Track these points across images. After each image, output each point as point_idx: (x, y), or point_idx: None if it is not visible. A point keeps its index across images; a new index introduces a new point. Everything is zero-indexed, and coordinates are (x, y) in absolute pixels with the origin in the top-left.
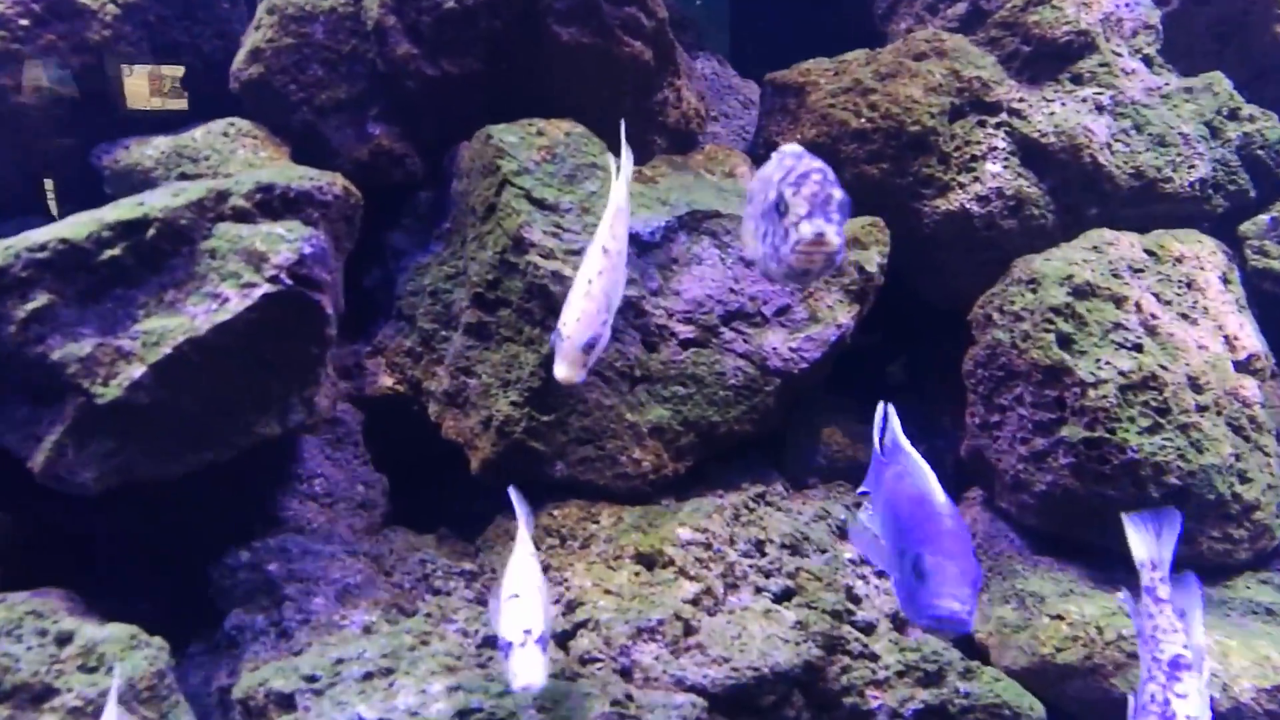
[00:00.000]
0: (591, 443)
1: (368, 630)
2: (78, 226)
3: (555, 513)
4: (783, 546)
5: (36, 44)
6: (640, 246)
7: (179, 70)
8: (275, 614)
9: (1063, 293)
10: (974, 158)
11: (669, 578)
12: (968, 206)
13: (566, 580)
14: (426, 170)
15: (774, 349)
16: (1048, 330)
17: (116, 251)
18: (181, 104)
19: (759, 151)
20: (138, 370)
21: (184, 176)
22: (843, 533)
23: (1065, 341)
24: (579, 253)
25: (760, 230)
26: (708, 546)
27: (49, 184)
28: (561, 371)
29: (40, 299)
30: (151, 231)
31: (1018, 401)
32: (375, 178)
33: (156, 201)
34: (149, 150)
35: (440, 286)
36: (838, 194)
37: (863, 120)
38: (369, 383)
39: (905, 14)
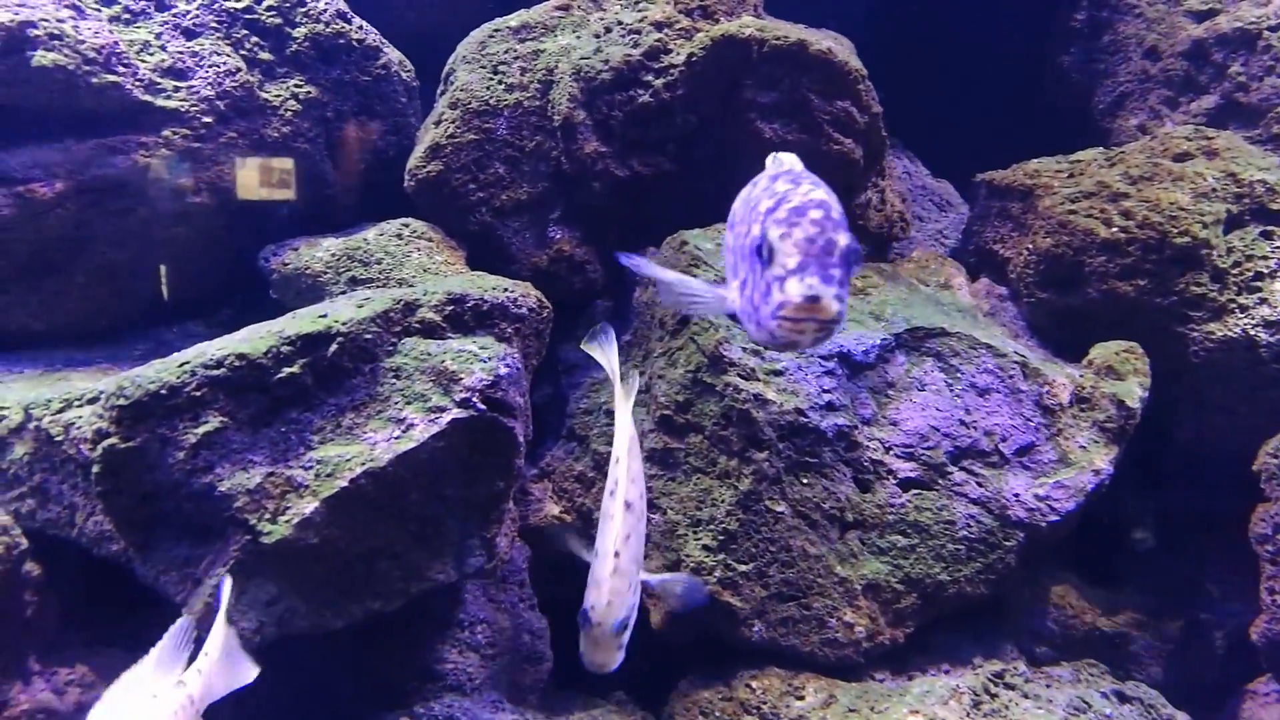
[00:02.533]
0: (796, 600)
1: None
2: (255, 341)
3: (752, 684)
4: None
5: (217, 141)
6: (851, 367)
7: (288, 163)
8: None
9: None
10: (1259, 275)
11: None
12: (1252, 333)
13: None
14: (606, 278)
15: (1016, 496)
16: None
17: (295, 369)
18: (289, 194)
19: (969, 261)
20: (309, 506)
21: (354, 281)
22: None
23: None
24: (782, 374)
25: (739, 274)
26: None
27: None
28: (597, 660)
29: (212, 422)
30: (334, 347)
31: None
32: (554, 286)
33: (340, 314)
34: (318, 252)
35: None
36: (843, 239)
37: (1114, 230)
38: (533, 510)
39: (1136, 108)
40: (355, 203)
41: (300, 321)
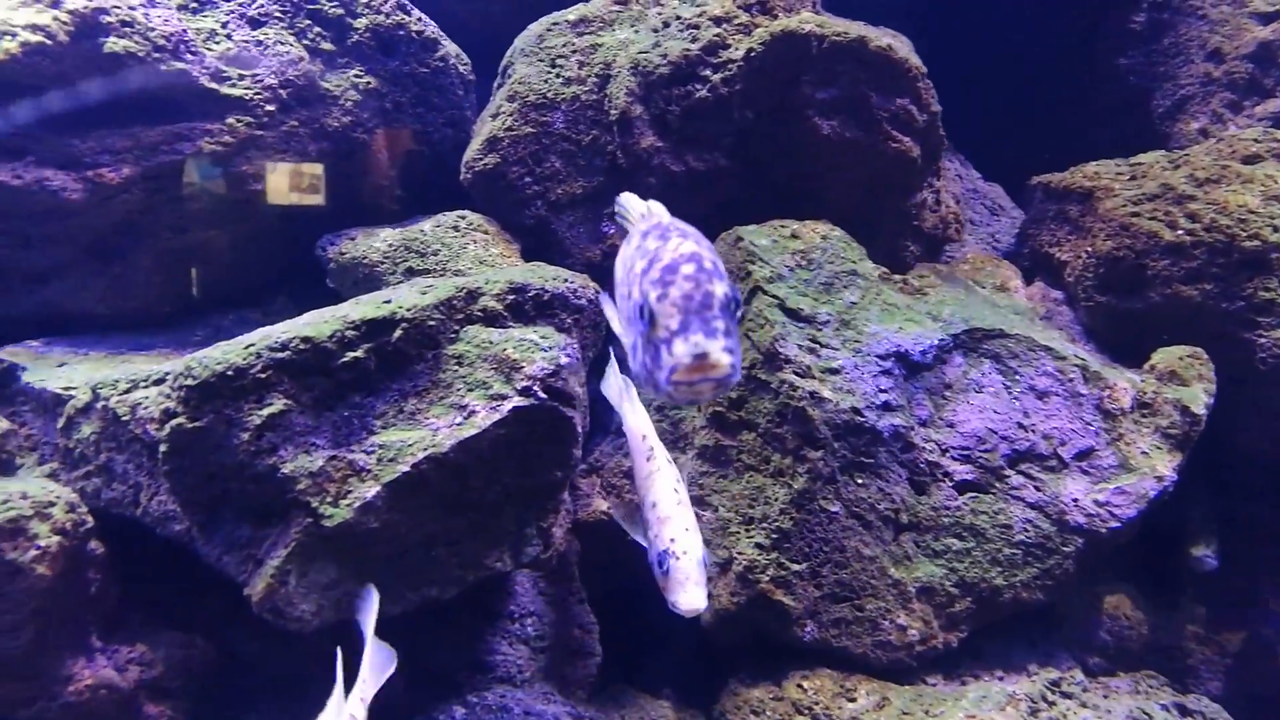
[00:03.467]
0: (849, 601)
1: None
2: (321, 325)
3: (804, 684)
4: None
5: (279, 130)
6: (908, 367)
7: (318, 168)
8: None
9: None
10: None
11: None
12: None
13: None
14: None
15: (1074, 501)
16: None
17: (359, 354)
18: (318, 199)
19: (1024, 264)
20: (371, 490)
21: (411, 271)
22: None
23: None
24: (838, 372)
25: (628, 338)
26: None
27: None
28: (690, 598)
29: (276, 404)
30: (398, 333)
31: None
32: (606, 279)
33: (404, 300)
34: (376, 242)
35: (669, 403)
36: (720, 289)
37: (1179, 233)
38: (582, 506)
39: (1198, 112)
40: (412, 195)
41: (365, 307)
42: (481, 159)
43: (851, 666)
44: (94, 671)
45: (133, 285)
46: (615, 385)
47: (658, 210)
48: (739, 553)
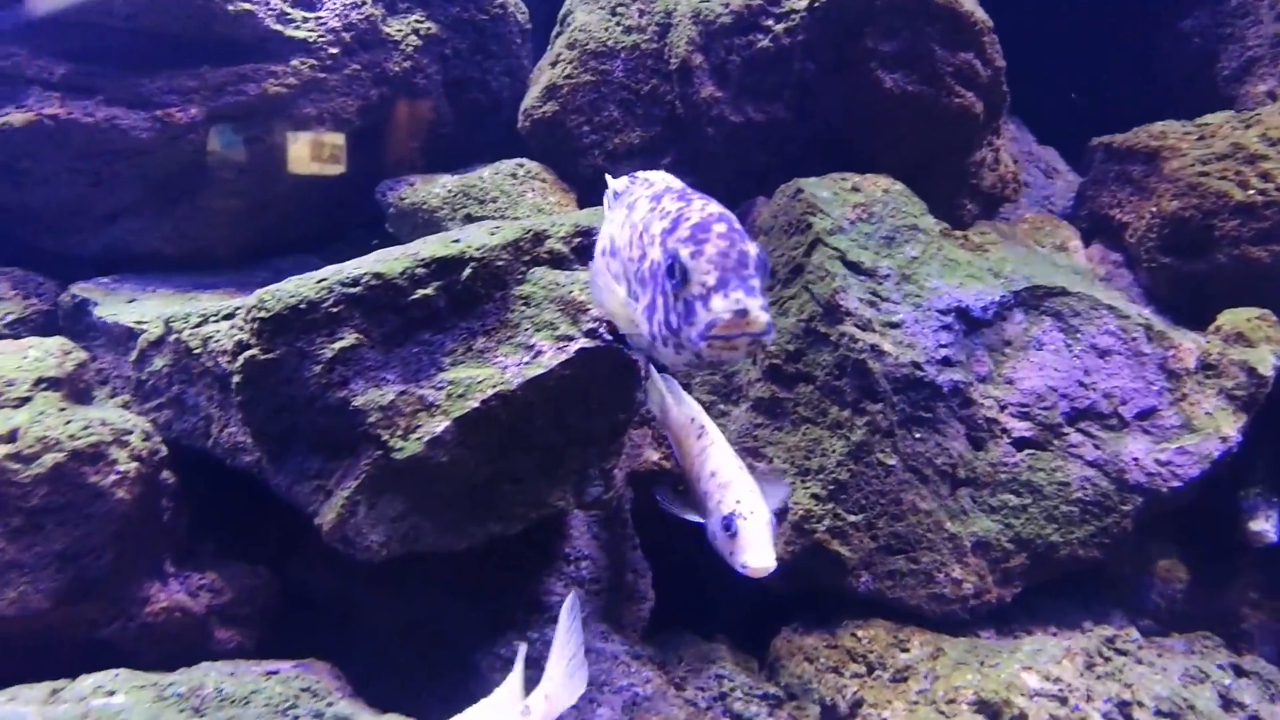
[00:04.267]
0: (904, 553)
1: None
2: (391, 262)
3: (859, 633)
4: (1159, 714)
5: (342, 73)
6: (968, 323)
7: (340, 138)
8: None
9: None
10: None
11: None
12: None
13: None
14: None
15: (1134, 460)
16: None
17: (429, 291)
18: (339, 169)
19: (1082, 226)
20: (440, 424)
21: (470, 218)
22: (1226, 703)
23: None
24: (899, 326)
25: (642, 300)
26: (1063, 701)
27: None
28: (760, 558)
29: (348, 338)
30: (467, 272)
31: None
32: None
33: (473, 240)
34: (435, 189)
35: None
36: (753, 249)
37: (1250, 193)
38: (633, 456)
39: (1266, 74)
40: (468, 143)
41: (434, 245)
42: (540, 107)
43: (905, 618)
44: (168, 595)
45: (198, 226)
46: (656, 380)
47: (658, 176)
48: (795, 502)
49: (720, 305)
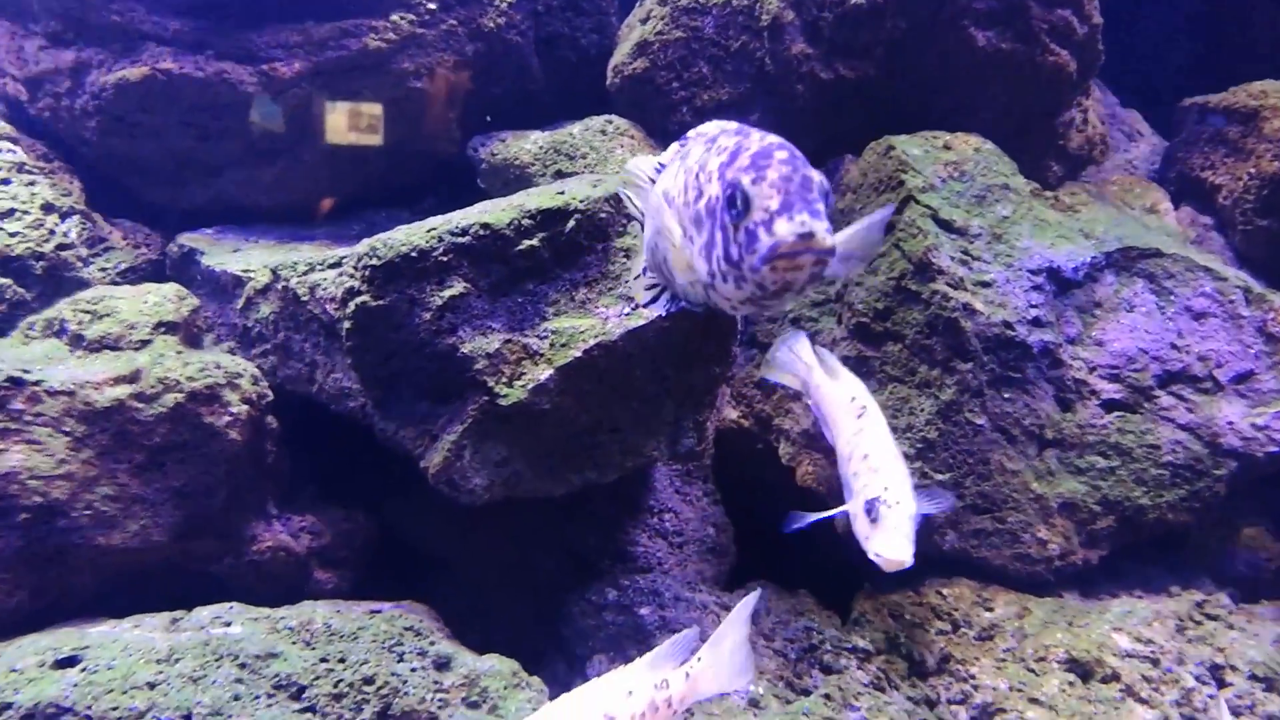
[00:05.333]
0: (990, 513)
1: (755, 704)
2: (499, 213)
3: (943, 591)
4: (1253, 678)
5: (439, 28)
6: (1059, 284)
7: (377, 108)
8: None
9: None
10: None
11: (1113, 696)
12: None
13: (974, 677)
14: None
15: (1230, 424)
16: None
17: (535, 242)
18: (376, 139)
19: (1169, 189)
20: (544, 372)
21: (559, 174)
22: None
23: None
24: (990, 285)
25: (699, 240)
26: (1155, 663)
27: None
28: (897, 549)
29: (456, 287)
30: (571, 223)
31: None
32: None
33: (577, 192)
34: (526, 144)
35: (804, 313)
36: (816, 175)
37: None
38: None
39: None
40: (558, 100)
41: (540, 197)
42: (630, 63)
43: (989, 577)
44: (273, 535)
45: (296, 179)
46: (805, 353)
47: (712, 126)
48: None
49: (785, 228)
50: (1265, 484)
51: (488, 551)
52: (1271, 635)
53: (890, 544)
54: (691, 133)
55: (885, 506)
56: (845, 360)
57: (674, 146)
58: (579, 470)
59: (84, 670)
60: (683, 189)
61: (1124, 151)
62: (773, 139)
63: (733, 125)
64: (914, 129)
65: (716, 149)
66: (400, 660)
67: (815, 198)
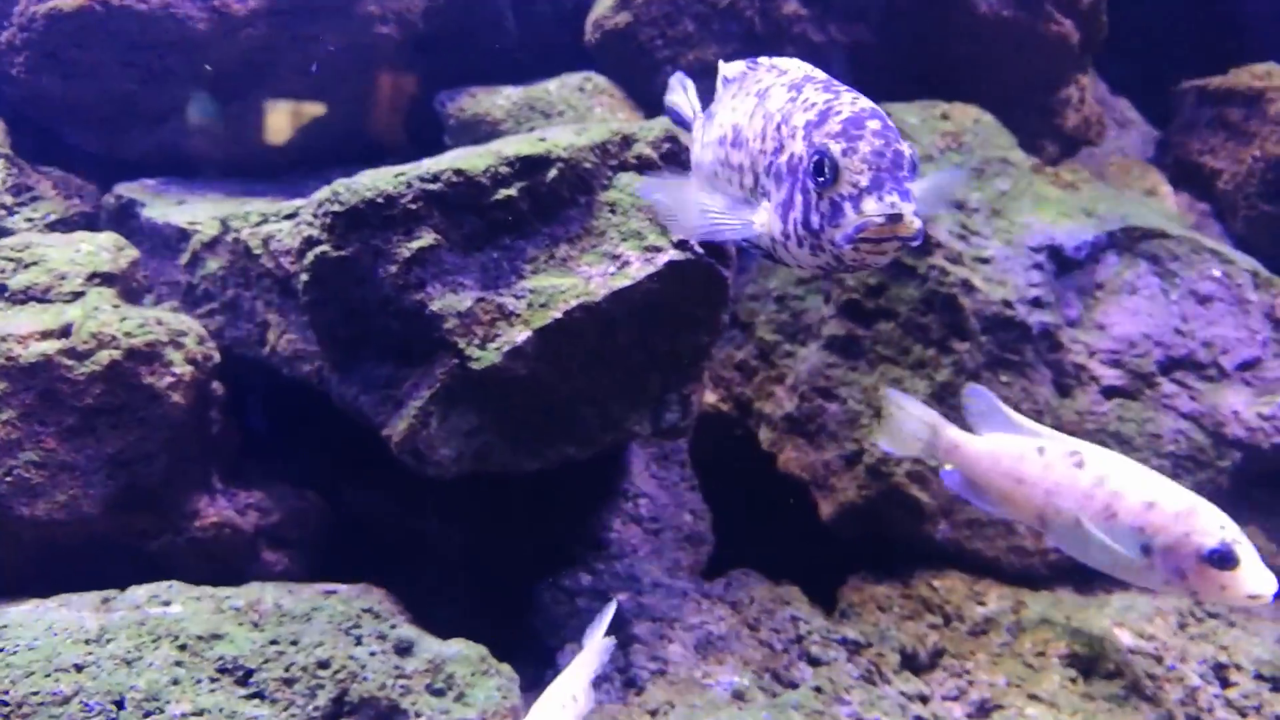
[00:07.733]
0: None
1: (739, 696)
2: (474, 159)
3: (934, 583)
4: (1258, 677)
5: None
6: (1060, 263)
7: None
8: (621, 658)
9: None
10: None
11: (1116, 693)
12: None
13: (969, 672)
14: None
15: (1235, 413)
16: None
17: (512, 192)
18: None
19: (1166, 176)
20: (521, 334)
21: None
22: None
23: None
24: (989, 262)
25: (776, 196)
26: (1158, 660)
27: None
28: (1268, 579)
29: (426, 238)
30: (552, 173)
31: None
32: None
33: (560, 139)
34: (499, 100)
35: (789, 291)
36: (907, 149)
37: None
38: None
39: None
40: (533, 55)
41: (519, 143)
42: (611, 18)
43: (981, 570)
44: (217, 511)
45: (249, 129)
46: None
47: (792, 64)
48: (870, 445)
49: (873, 208)
50: (1267, 478)
51: (455, 533)
52: (1273, 634)
53: (1263, 579)
54: (763, 61)
55: (1239, 545)
56: (833, 340)
57: (736, 66)
58: (556, 444)
59: (1, 651)
60: (759, 135)
61: (1114, 139)
62: (865, 104)
63: (818, 73)
64: (906, 97)
65: (803, 103)
66: (358, 644)
67: (906, 175)
